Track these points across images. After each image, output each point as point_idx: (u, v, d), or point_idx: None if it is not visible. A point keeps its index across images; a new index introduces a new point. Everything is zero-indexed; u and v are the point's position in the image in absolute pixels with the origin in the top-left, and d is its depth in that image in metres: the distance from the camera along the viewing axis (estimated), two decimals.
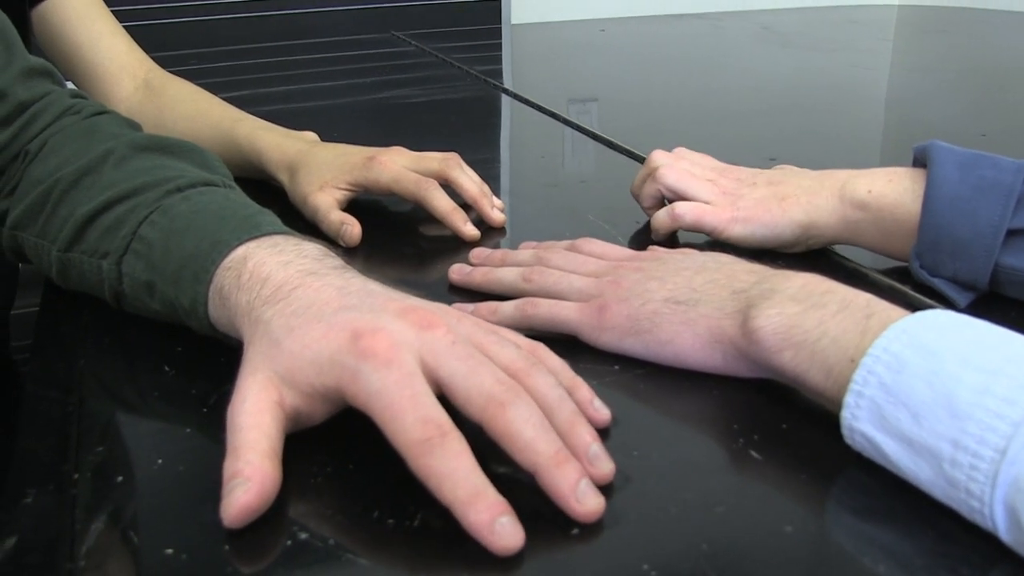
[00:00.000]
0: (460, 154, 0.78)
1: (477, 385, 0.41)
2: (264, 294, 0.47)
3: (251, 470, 0.40)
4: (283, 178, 0.79)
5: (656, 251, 0.59)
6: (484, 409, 0.41)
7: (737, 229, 0.68)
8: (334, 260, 0.50)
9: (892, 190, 0.63)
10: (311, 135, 0.84)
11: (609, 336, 0.53)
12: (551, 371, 0.45)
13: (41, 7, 0.93)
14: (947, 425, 0.38)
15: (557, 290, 0.57)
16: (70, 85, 0.74)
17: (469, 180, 0.76)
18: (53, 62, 0.77)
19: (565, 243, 0.64)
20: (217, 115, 0.88)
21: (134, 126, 0.67)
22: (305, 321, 0.44)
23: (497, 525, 0.38)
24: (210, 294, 0.51)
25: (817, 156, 0.97)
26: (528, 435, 0.40)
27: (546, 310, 0.56)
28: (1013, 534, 0.37)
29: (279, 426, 0.43)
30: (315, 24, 1.76)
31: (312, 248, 0.51)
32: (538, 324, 0.56)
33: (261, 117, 0.86)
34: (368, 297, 0.45)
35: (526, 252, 0.63)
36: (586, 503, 0.40)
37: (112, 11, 0.97)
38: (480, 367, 0.42)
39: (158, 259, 0.54)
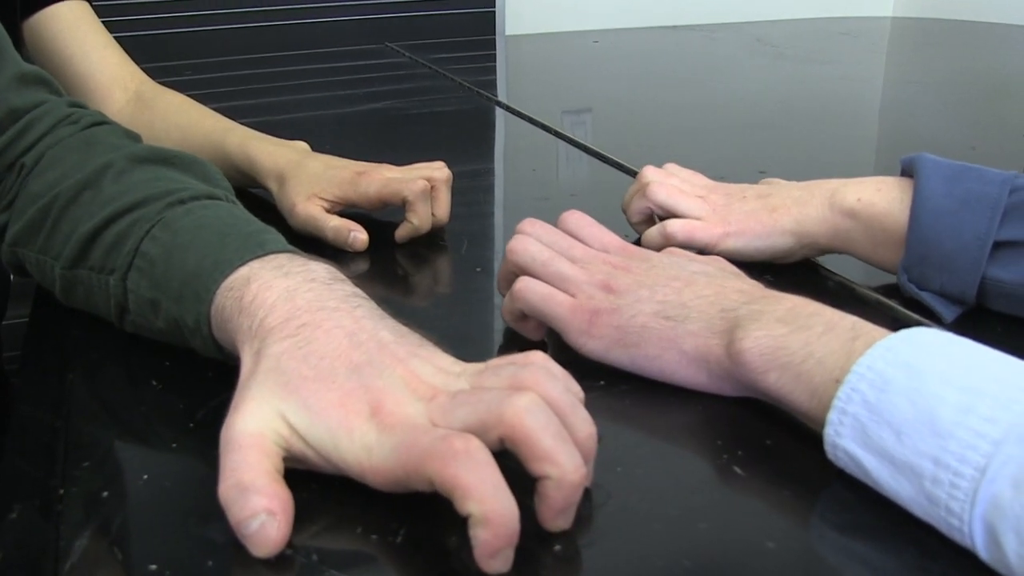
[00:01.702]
0: (451, 166, 0.79)
1: (486, 405, 0.40)
2: (269, 323, 0.45)
3: (270, 502, 0.39)
4: (272, 186, 0.79)
5: (642, 250, 0.58)
6: (500, 420, 0.39)
7: (730, 243, 0.68)
8: (344, 286, 0.48)
9: (881, 199, 0.64)
10: (302, 145, 0.84)
11: (596, 345, 0.53)
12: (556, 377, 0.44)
13: (33, 19, 0.93)
14: (929, 443, 0.39)
15: (544, 272, 0.56)
16: None
17: (441, 207, 0.77)
18: None
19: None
20: (208, 124, 0.88)
21: (133, 137, 0.66)
22: (318, 375, 0.42)
23: (500, 554, 0.37)
24: (212, 314, 0.50)
25: (809, 168, 0.97)
26: (547, 444, 0.39)
27: (539, 297, 0.55)
28: (992, 552, 0.37)
29: (279, 452, 0.41)
30: (309, 35, 1.77)
31: (321, 270, 0.49)
32: (527, 308, 0.56)
33: (254, 127, 0.86)
34: (379, 352, 0.43)
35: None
36: (562, 523, 0.40)
37: (107, 22, 0.97)
38: (484, 394, 0.41)
39: (160, 276, 0.53)
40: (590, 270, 0.55)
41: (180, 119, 0.90)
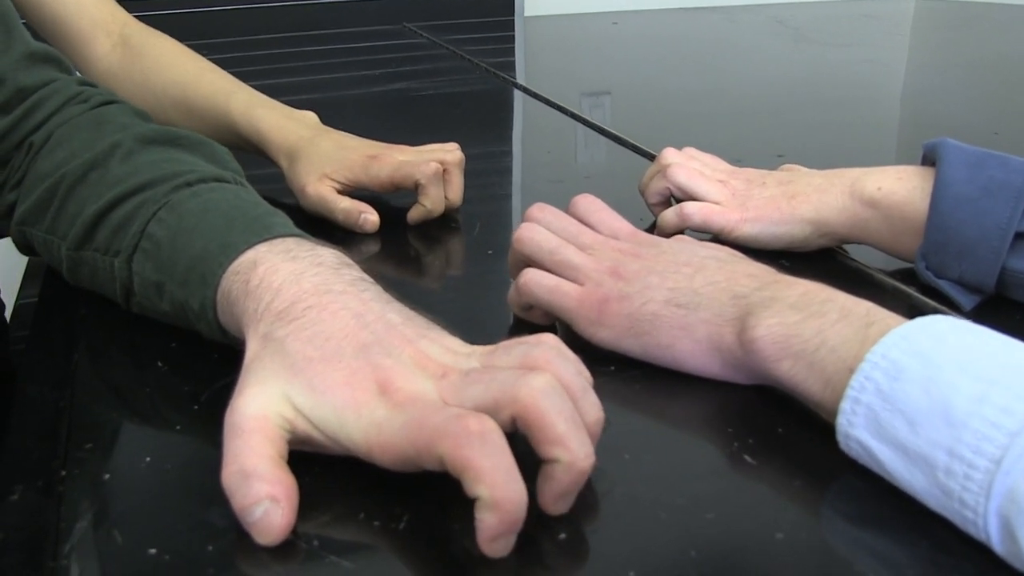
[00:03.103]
0: (468, 148, 0.78)
1: (500, 384, 0.39)
2: (275, 307, 0.45)
3: (273, 488, 0.39)
4: (282, 163, 0.78)
5: (652, 236, 0.57)
6: (515, 400, 0.38)
7: (747, 228, 0.67)
8: (351, 271, 0.48)
9: (902, 188, 0.62)
10: (311, 117, 0.82)
11: (607, 334, 0.52)
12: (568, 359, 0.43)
13: None
14: (943, 434, 0.38)
15: (551, 260, 0.55)
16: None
17: (454, 189, 0.76)
18: None
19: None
20: (209, 84, 0.84)
21: (143, 116, 0.65)
22: (324, 355, 0.42)
23: (503, 539, 0.37)
24: (218, 298, 0.49)
25: (829, 153, 0.96)
26: (560, 429, 0.38)
27: (545, 290, 0.54)
28: (1007, 546, 0.36)
29: (284, 436, 0.41)
30: (327, 15, 1.76)
31: (328, 255, 0.48)
32: (534, 300, 0.55)
33: None
34: (386, 333, 0.43)
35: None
36: (562, 507, 0.39)
37: (123, 3, 0.92)
38: (498, 373, 0.41)
39: (166, 259, 0.52)
40: (598, 257, 0.54)
41: (177, 74, 0.85)
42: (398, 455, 0.39)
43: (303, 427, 0.41)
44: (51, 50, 0.68)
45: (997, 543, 0.36)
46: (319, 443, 0.42)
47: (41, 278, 0.66)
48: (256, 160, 0.79)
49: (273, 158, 0.79)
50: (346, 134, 0.79)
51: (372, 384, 0.41)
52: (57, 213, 0.59)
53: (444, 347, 0.44)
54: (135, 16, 0.92)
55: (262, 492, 0.38)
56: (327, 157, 0.76)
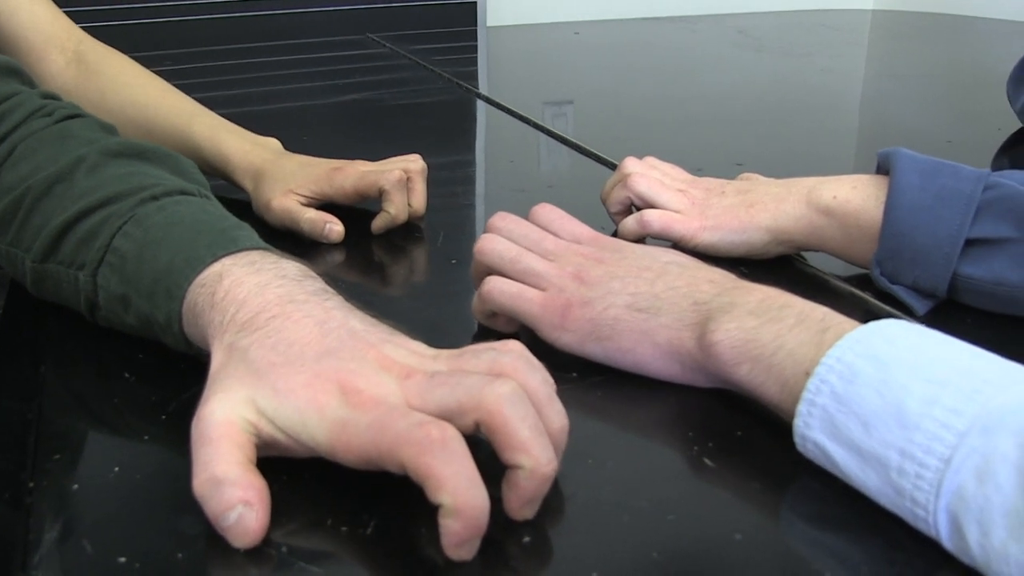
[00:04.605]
0: (431, 158, 0.79)
1: (466, 388, 0.40)
2: (240, 318, 0.45)
3: (245, 492, 0.39)
4: (247, 185, 0.78)
5: (615, 240, 0.58)
6: (479, 405, 0.39)
7: (706, 236, 0.68)
8: (314, 283, 0.48)
9: (856, 196, 0.64)
10: (275, 143, 0.83)
11: (570, 338, 0.53)
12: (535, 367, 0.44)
13: None
14: (895, 434, 0.39)
15: (513, 269, 0.56)
16: None
17: (417, 197, 0.77)
18: None
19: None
20: (170, 106, 0.84)
21: (108, 129, 0.65)
22: (287, 360, 0.42)
23: (467, 544, 0.37)
24: (183, 311, 0.50)
25: (788, 161, 0.98)
26: (524, 435, 0.39)
27: (507, 297, 0.55)
28: (955, 542, 0.37)
29: (251, 440, 0.41)
30: (290, 25, 1.76)
31: (292, 268, 0.49)
32: (497, 307, 0.56)
33: (234, 118, 0.84)
34: (350, 339, 0.44)
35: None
36: (528, 513, 0.40)
37: (86, 12, 0.90)
38: (464, 377, 0.41)
39: (132, 273, 0.52)
40: (561, 262, 0.55)
41: (137, 95, 0.84)
42: (360, 454, 0.40)
43: (267, 430, 0.42)
44: (13, 62, 0.68)
45: (946, 539, 0.38)
46: (283, 445, 0.42)
47: (6, 289, 0.66)
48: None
49: (238, 181, 0.79)
50: (309, 156, 0.80)
51: (334, 386, 0.41)
52: (21, 225, 0.59)
53: (408, 350, 0.44)
54: (96, 25, 0.91)
55: (235, 497, 0.39)
56: (292, 174, 0.76)
